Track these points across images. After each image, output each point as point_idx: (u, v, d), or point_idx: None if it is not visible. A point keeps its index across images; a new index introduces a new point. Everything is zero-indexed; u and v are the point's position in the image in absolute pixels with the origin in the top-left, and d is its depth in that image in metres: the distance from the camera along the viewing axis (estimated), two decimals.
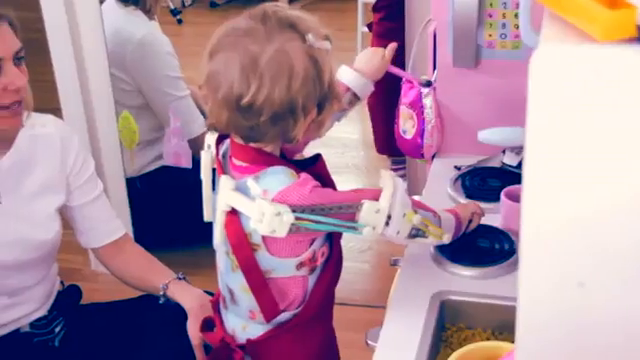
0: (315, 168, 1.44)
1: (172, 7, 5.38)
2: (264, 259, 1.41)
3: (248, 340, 1.51)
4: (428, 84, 1.88)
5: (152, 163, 3.01)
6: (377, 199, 1.37)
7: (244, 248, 1.39)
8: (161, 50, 2.87)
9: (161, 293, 1.87)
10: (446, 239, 1.51)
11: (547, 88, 0.77)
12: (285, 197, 1.33)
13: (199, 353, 1.76)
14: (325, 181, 1.44)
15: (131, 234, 2.49)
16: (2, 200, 1.76)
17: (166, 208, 2.95)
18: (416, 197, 1.96)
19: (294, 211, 1.31)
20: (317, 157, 1.48)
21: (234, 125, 1.35)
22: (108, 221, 1.97)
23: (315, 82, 1.33)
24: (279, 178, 1.35)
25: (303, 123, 1.35)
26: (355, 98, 1.71)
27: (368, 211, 1.35)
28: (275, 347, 1.50)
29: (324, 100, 1.37)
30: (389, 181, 1.39)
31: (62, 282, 2.03)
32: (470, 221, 1.61)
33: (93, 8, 2.68)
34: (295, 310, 1.47)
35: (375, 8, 3.27)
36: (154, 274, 1.91)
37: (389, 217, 1.37)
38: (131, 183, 2.93)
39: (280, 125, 1.33)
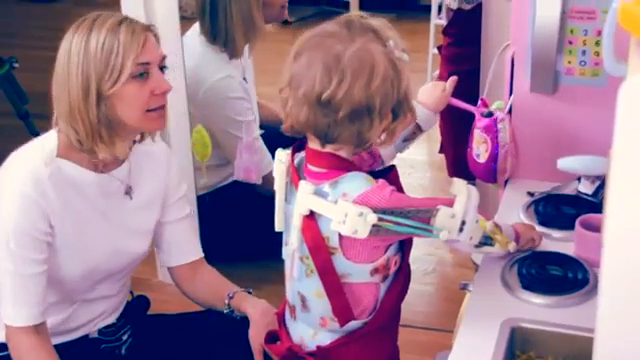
0: (389, 177, 1.47)
1: None
2: (340, 263, 1.43)
3: (318, 347, 1.52)
4: (489, 115, 1.87)
5: (222, 181, 3.04)
6: (451, 205, 1.41)
7: (322, 251, 1.42)
8: (231, 95, 2.87)
9: (226, 302, 1.90)
10: (512, 248, 1.55)
11: (636, 118, 0.76)
12: (366, 199, 1.37)
13: (259, 359, 1.78)
14: (398, 191, 1.46)
15: None
16: (109, 215, 1.82)
17: (233, 223, 2.97)
18: None
19: (382, 211, 1.36)
20: (392, 167, 1.53)
21: (313, 122, 1.39)
22: (189, 243, 2.01)
23: (393, 86, 1.38)
24: (358, 182, 1.40)
25: (378, 126, 1.40)
26: (418, 130, 1.75)
27: (444, 216, 1.39)
28: (344, 355, 1.52)
29: (399, 108, 1.42)
30: (463, 188, 1.43)
31: (131, 292, 2.07)
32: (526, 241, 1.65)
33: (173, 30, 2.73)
34: (366, 319, 1.49)
35: (445, 32, 3.27)
36: (222, 291, 1.95)
37: (463, 223, 1.41)
38: (200, 199, 2.97)
39: (357, 124, 1.37)
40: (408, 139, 1.73)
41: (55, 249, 1.75)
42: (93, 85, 1.66)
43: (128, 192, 1.84)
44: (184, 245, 2.00)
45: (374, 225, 1.35)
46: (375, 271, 1.45)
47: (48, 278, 1.74)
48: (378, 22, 1.42)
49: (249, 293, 1.93)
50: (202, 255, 2.03)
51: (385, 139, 1.46)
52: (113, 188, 1.81)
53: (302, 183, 1.43)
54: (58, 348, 1.81)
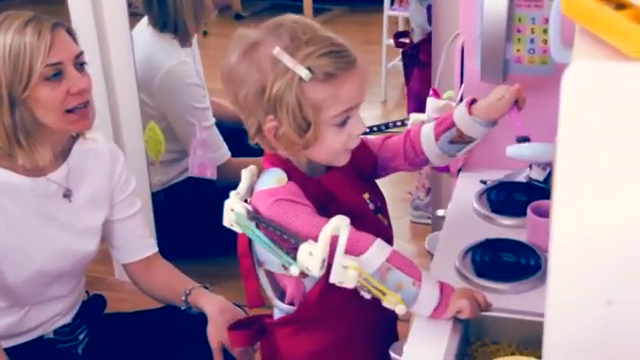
0: (322, 179, 1.46)
1: None
2: (259, 249, 1.45)
3: (265, 320, 1.56)
4: (525, 140, 1.61)
5: (176, 177, 3.02)
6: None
7: (242, 235, 1.44)
8: (188, 81, 2.87)
9: (183, 299, 1.89)
10: (399, 310, 1.34)
11: (579, 104, 0.77)
12: (255, 199, 1.41)
13: (218, 358, 1.78)
14: (332, 197, 1.45)
15: None
16: (49, 217, 1.79)
17: (188, 219, 2.96)
18: (441, 212, 1.97)
19: (253, 216, 1.38)
20: (330, 169, 1.48)
21: None
22: (142, 238, 2.00)
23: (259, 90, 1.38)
24: (266, 179, 1.43)
25: (255, 127, 1.42)
26: (464, 135, 1.59)
27: (303, 252, 1.30)
28: (280, 334, 1.55)
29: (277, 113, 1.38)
30: (335, 223, 1.30)
31: (87, 291, 2.05)
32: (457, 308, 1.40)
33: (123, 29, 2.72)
34: (296, 307, 1.50)
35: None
36: (179, 286, 1.93)
37: (324, 261, 1.29)
38: (155, 196, 2.95)
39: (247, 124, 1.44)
40: (454, 142, 1.60)
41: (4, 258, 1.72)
42: (4, 90, 1.64)
43: (67, 195, 1.82)
44: (137, 241, 1.99)
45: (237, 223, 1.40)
46: (285, 267, 1.39)
47: None
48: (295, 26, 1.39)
49: (206, 288, 1.92)
50: (156, 250, 2.02)
51: (281, 144, 1.41)
52: (50, 191, 1.79)
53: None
54: (13, 350, 1.79)
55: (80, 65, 1.74)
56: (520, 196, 1.83)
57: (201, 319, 1.85)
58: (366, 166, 1.59)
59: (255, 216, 1.39)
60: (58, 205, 1.81)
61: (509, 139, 1.63)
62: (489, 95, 1.59)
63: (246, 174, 1.47)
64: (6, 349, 1.76)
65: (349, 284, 1.31)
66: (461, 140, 1.60)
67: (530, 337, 1.41)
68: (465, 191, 1.91)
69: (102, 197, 1.90)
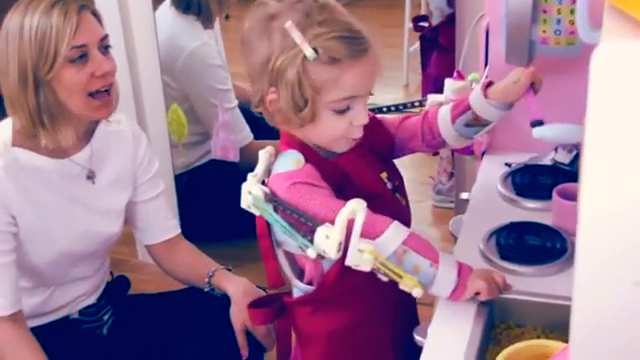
0: (338, 161, 1.45)
1: None
2: (277, 230, 1.45)
3: (285, 299, 1.55)
4: (539, 124, 1.60)
5: (199, 159, 3.03)
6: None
7: (261, 216, 1.44)
8: (211, 63, 2.87)
9: (206, 281, 1.90)
10: (415, 293, 1.33)
11: (609, 84, 0.76)
12: (272, 181, 1.41)
13: (241, 338, 1.79)
14: (349, 179, 1.44)
15: None
16: (74, 199, 1.81)
17: (211, 202, 2.97)
18: (465, 194, 1.96)
19: (270, 199, 1.38)
20: (345, 152, 1.46)
21: None
22: (165, 220, 2.01)
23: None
24: (283, 161, 1.43)
25: (258, 96, 1.42)
26: (479, 117, 1.57)
27: (320, 235, 1.30)
28: (299, 313, 1.55)
29: (276, 85, 1.38)
30: (358, 208, 1.30)
31: (112, 272, 2.07)
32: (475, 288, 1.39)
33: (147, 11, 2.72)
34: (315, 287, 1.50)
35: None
36: (202, 268, 1.94)
37: (340, 244, 1.30)
38: (178, 178, 2.96)
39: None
40: (470, 124, 1.58)
41: (21, 238, 1.74)
42: (30, 72, 1.65)
43: (90, 177, 1.83)
44: (159, 223, 2.00)
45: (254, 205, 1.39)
46: (302, 250, 1.39)
47: (19, 266, 1.73)
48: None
49: (229, 270, 1.93)
50: (179, 232, 2.03)
51: (278, 118, 1.42)
52: (74, 173, 1.80)
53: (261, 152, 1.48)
54: (39, 329, 1.81)
55: (105, 48, 1.74)
56: (545, 179, 1.81)
57: (224, 301, 1.86)
58: (383, 146, 1.58)
59: (272, 199, 1.39)
60: (81, 187, 1.82)
61: None
62: (505, 78, 1.58)
63: (263, 155, 1.47)
64: (32, 328, 1.78)
65: (365, 267, 1.31)
66: (477, 123, 1.59)
67: (556, 321, 1.40)
68: (489, 174, 1.90)
69: (125, 179, 1.91)
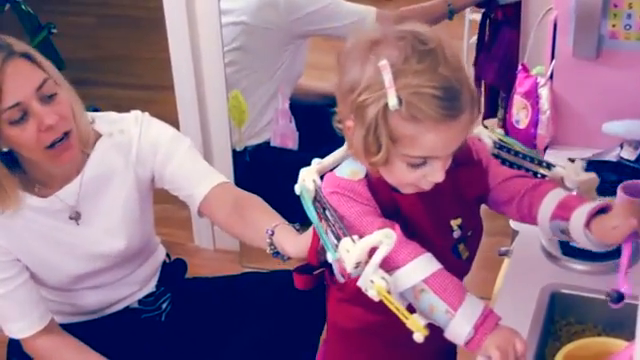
0: (396, 196, 1.36)
1: None
2: None
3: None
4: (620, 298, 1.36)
5: (260, 134, 3.00)
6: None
7: None
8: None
9: (267, 240, 1.69)
10: (416, 338, 1.24)
11: None
12: (325, 178, 1.37)
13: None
14: (400, 215, 1.36)
15: None
16: (79, 221, 1.76)
17: (270, 184, 2.96)
18: None
19: (316, 192, 1.34)
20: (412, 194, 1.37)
21: None
22: (206, 172, 1.85)
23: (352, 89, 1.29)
24: (345, 166, 1.38)
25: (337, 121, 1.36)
26: (569, 235, 1.41)
27: (343, 246, 1.26)
28: (329, 297, 1.54)
29: (359, 118, 1.28)
30: (378, 238, 1.24)
31: (168, 255, 2.05)
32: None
33: None
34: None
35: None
36: (262, 222, 1.73)
37: (358, 265, 1.25)
38: (239, 156, 2.95)
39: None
40: (564, 232, 1.40)
41: (30, 270, 1.75)
42: None
43: (74, 217, 1.75)
44: (200, 177, 1.83)
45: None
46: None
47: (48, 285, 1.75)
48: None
49: (297, 230, 1.70)
50: (226, 179, 1.87)
51: (351, 147, 1.35)
52: (55, 209, 1.73)
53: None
54: (100, 321, 1.86)
55: (49, 97, 1.59)
56: (609, 175, 1.78)
57: (281, 283, 1.79)
58: (471, 193, 1.45)
59: (318, 192, 1.34)
60: (63, 227, 1.76)
61: (600, 116, 1.60)
62: (610, 213, 1.36)
63: (341, 149, 1.41)
64: (94, 320, 1.82)
65: (373, 297, 1.26)
66: (570, 238, 1.43)
67: (617, 319, 1.39)
68: None
69: (135, 188, 1.80)
